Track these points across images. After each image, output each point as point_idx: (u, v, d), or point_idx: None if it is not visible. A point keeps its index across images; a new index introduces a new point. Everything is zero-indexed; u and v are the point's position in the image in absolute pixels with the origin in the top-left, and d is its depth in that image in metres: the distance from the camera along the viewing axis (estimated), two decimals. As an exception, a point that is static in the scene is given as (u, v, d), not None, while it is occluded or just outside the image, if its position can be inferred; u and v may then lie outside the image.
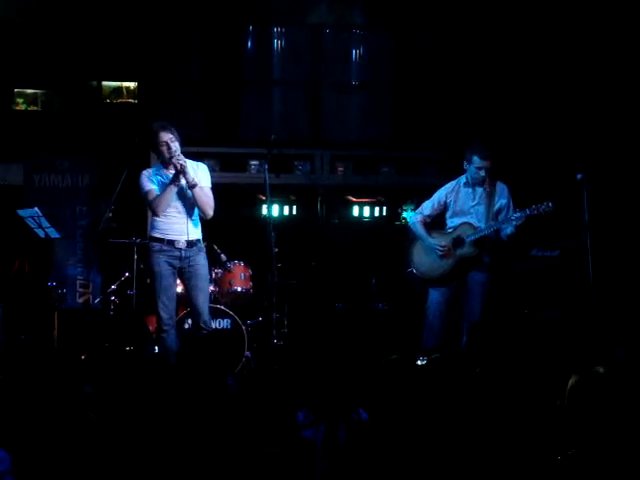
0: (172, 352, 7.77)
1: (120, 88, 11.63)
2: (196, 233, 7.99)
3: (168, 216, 7.89)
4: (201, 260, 8.00)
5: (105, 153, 11.03)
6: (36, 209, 9.47)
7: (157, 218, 7.95)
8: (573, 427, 3.99)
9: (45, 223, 9.49)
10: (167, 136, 7.78)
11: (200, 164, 8.10)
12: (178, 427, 4.65)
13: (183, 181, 7.81)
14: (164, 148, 7.80)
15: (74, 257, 10.90)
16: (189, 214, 7.92)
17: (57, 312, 9.55)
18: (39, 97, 11.50)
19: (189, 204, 7.89)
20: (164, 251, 7.90)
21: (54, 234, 9.62)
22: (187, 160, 7.95)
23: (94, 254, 10.82)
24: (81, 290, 10.90)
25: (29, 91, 11.51)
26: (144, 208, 8.79)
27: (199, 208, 7.88)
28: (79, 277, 10.90)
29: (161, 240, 7.91)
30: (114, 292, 9.65)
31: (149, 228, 8.14)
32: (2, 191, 10.88)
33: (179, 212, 7.88)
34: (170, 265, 7.91)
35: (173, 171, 7.81)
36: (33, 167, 11.02)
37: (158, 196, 7.82)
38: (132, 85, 11.64)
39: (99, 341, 9.38)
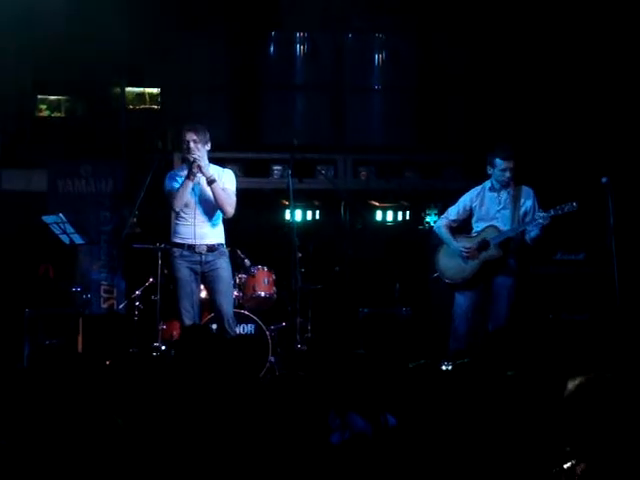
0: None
1: (143, 94, 11.66)
2: (217, 237, 8.02)
3: (188, 220, 7.93)
4: (223, 264, 8.02)
5: (128, 159, 11.05)
6: (60, 215, 9.50)
7: (178, 222, 8.01)
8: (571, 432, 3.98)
9: (69, 229, 9.52)
10: (191, 136, 7.86)
11: (226, 170, 8.18)
12: (201, 432, 4.65)
13: (203, 179, 7.87)
14: (185, 147, 7.87)
15: (98, 262, 10.92)
16: (209, 218, 7.96)
17: (82, 317, 9.57)
18: (62, 103, 11.54)
19: (210, 207, 7.92)
20: (185, 256, 7.94)
21: (78, 240, 9.64)
22: (213, 165, 8.01)
23: (118, 259, 10.85)
24: (105, 295, 10.93)
25: (52, 97, 11.55)
26: (168, 213, 8.81)
27: (218, 205, 7.91)
28: (103, 282, 10.92)
29: (181, 245, 7.96)
30: (138, 297, 9.67)
31: (171, 233, 8.17)
32: (26, 197, 10.91)
33: (199, 216, 7.92)
34: (192, 270, 7.95)
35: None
36: (57, 173, 11.05)
37: (175, 191, 7.88)
38: (155, 91, 11.67)
39: (124, 346, 9.40)
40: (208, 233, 7.98)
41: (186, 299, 7.96)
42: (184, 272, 7.96)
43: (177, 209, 7.94)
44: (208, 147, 7.95)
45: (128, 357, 8.69)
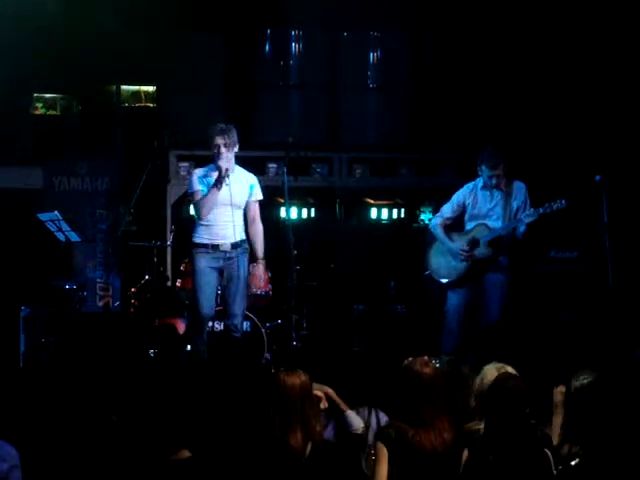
0: (204, 350, 7.86)
1: (138, 92, 11.68)
2: (241, 234, 8.01)
3: (212, 221, 7.91)
4: (244, 262, 8.02)
5: (124, 157, 11.07)
6: (56, 213, 9.52)
7: (202, 225, 7.95)
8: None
9: (65, 227, 9.54)
10: (220, 140, 7.80)
11: (251, 176, 8.14)
12: (197, 427, 4.68)
13: (229, 184, 7.84)
14: (215, 151, 7.83)
15: (94, 260, 10.93)
16: (235, 218, 7.94)
17: (78, 315, 9.60)
18: (58, 101, 11.56)
19: (234, 210, 7.92)
20: (208, 253, 7.93)
21: (74, 237, 9.67)
22: (241, 169, 8.00)
23: (114, 257, 10.85)
24: (101, 293, 10.93)
25: (48, 95, 11.58)
26: (164, 211, 8.80)
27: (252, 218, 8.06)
28: (99, 280, 10.93)
29: (205, 245, 7.94)
30: (134, 295, 9.68)
31: (193, 234, 8.05)
32: (23, 195, 10.93)
33: (225, 217, 7.90)
34: (212, 264, 7.95)
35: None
36: (53, 171, 11.06)
37: (202, 198, 7.86)
38: (150, 89, 11.69)
39: (119, 344, 9.41)
40: (234, 232, 7.96)
41: (201, 291, 7.95)
42: (203, 264, 7.93)
43: (202, 217, 7.91)
44: (236, 149, 7.92)
45: (123, 355, 8.74)
